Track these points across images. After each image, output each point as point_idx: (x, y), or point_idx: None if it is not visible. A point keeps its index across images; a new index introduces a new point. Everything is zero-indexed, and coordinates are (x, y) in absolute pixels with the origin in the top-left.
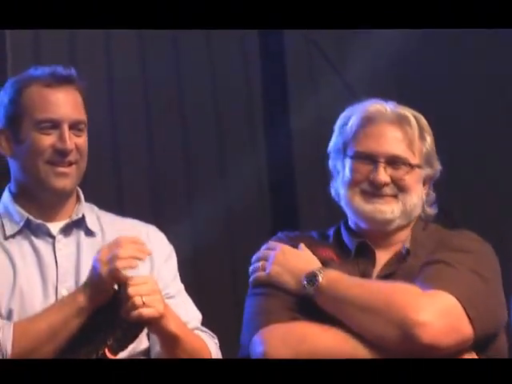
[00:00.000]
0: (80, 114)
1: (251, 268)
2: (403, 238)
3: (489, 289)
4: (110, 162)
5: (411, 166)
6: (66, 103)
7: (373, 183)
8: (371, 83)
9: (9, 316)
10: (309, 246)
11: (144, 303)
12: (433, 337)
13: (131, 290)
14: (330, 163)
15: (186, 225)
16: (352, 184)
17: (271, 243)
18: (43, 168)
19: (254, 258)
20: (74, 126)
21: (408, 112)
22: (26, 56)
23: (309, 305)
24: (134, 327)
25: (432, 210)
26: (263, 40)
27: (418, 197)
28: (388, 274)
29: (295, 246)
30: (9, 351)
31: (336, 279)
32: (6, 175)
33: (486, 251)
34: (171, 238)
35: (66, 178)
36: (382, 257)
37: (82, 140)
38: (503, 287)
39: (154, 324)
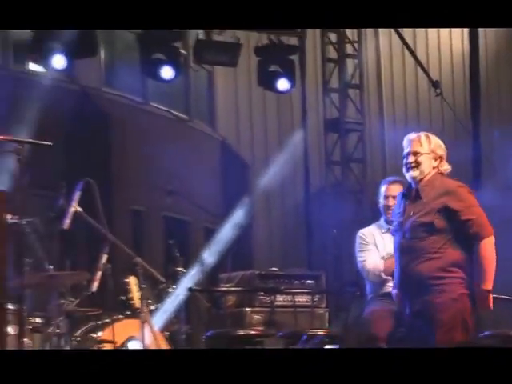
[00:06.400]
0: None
1: None
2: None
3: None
4: None
5: (421, 154)
6: (395, 190)
7: (407, 163)
8: None
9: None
10: None
11: None
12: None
13: None
14: None
15: None
16: (404, 165)
17: None
18: None
19: None
20: None
21: (423, 134)
22: None
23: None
24: None
25: (446, 169)
26: None
27: (425, 165)
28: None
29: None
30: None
31: None
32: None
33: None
34: None
35: None
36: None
37: None
38: None
39: None
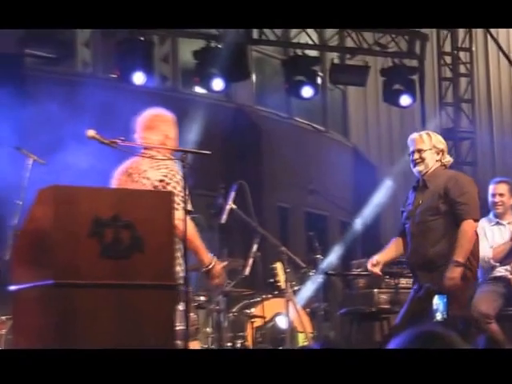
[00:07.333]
0: None
1: None
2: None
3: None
4: None
5: (424, 150)
6: (501, 189)
7: (413, 160)
8: None
9: None
10: None
11: None
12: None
13: None
14: None
15: None
16: (411, 162)
17: None
18: None
19: None
20: None
21: (424, 132)
22: None
23: None
24: None
25: (448, 161)
26: None
27: (429, 159)
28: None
29: None
30: None
31: None
32: None
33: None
34: None
35: None
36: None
37: None
38: None
39: None
